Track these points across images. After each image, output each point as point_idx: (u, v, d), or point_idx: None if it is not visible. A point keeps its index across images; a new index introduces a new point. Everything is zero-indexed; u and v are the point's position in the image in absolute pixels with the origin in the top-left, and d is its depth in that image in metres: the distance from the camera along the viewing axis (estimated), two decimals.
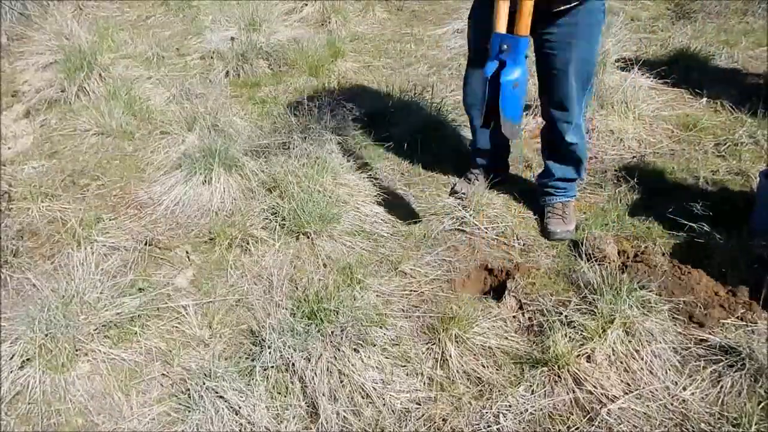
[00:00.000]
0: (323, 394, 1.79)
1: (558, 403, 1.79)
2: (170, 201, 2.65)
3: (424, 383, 1.86)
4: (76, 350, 1.98)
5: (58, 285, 2.14)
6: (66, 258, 2.35)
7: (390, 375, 1.87)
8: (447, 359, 1.91)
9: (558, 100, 2.20)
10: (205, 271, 2.35)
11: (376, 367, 1.88)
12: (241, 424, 1.77)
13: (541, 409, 1.78)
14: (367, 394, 1.81)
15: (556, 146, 2.35)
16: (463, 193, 2.60)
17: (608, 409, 1.76)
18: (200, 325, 2.11)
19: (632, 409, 1.76)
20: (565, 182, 2.43)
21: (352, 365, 1.85)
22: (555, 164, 2.41)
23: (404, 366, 1.90)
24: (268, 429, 1.76)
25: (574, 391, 1.81)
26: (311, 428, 1.77)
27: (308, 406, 1.81)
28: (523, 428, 1.74)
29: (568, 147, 2.30)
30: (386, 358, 1.91)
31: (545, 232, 2.43)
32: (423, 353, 1.94)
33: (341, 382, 1.83)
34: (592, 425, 1.73)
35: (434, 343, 1.95)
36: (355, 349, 1.89)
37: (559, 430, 1.74)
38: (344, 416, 1.77)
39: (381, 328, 1.99)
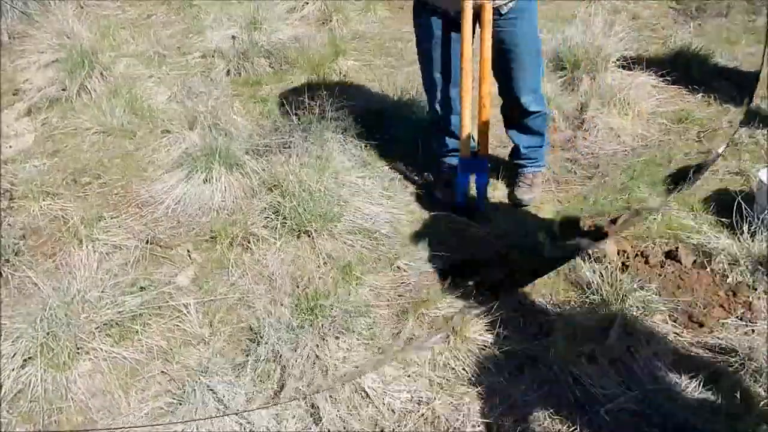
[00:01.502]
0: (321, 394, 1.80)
1: (558, 403, 1.80)
2: (171, 200, 2.65)
3: (424, 383, 1.87)
4: (78, 349, 1.99)
5: (60, 283, 2.15)
6: (67, 256, 2.36)
7: (389, 375, 1.87)
8: (446, 359, 1.91)
9: (517, 77, 2.35)
10: (206, 269, 2.35)
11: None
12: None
13: (541, 409, 1.78)
14: (367, 394, 1.82)
15: (520, 120, 2.52)
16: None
17: (607, 409, 1.76)
18: (201, 323, 2.11)
19: (631, 409, 1.76)
20: (533, 150, 2.60)
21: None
22: (522, 136, 2.58)
23: (404, 366, 1.91)
24: (267, 428, 1.76)
25: (574, 391, 1.81)
26: (312, 428, 1.78)
27: (309, 406, 1.82)
28: (522, 428, 1.74)
29: (534, 117, 2.49)
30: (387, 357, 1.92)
31: (512, 198, 2.59)
32: (423, 353, 1.95)
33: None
34: (592, 425, 1.73)
35: (435, 342, 1.96)
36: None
37: (559, 429, 1.74)
38: (343, 417, 1.77)
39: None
